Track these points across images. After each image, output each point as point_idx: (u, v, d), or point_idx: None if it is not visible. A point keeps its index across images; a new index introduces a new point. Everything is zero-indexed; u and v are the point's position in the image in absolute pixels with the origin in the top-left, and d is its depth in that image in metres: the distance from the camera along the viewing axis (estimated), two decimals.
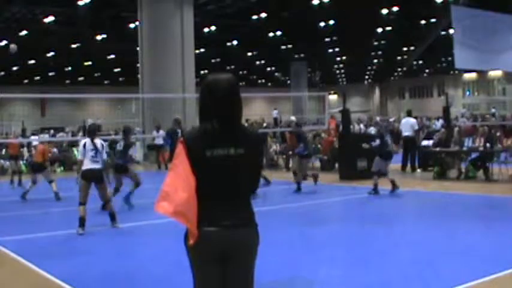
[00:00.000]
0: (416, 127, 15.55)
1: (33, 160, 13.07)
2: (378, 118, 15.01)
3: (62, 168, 20.85)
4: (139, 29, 22.76)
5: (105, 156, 8.41)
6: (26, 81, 48.55)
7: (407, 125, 15.28)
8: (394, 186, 11.47)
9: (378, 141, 11.63)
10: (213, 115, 2.74)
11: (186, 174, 2.65)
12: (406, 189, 12.06)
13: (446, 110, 16.69)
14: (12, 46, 18.45)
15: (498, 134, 16.12)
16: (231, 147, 2.71)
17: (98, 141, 8.34)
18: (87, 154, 8.16)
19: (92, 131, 8.61)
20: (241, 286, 2.76)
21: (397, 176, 14.46)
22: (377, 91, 65.63)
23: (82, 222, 7.97)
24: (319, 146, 18.31)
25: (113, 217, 8.39)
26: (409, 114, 15.96)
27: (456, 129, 17.48)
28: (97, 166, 8.18)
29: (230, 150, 2.71)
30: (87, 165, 8.16)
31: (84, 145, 8.25)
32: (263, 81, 59.96)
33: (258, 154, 2.84)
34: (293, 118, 24.26)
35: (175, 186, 2.65)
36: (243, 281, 2.76)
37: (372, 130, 16.59)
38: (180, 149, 2.71)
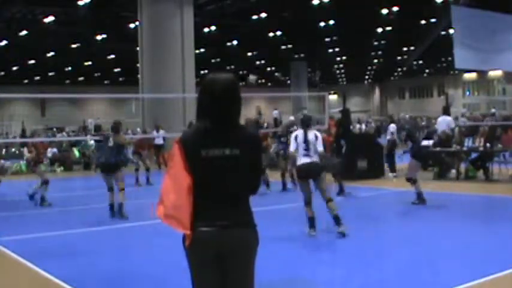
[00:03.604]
0: (453, 125, 15.29)
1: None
2: (406, 116, 13.75)
3: (62, 168, 20.86)
4: (139, 29, 22.74)
5: (320, 148, 7.42)
6: (26, 81, 48.56)
7: (444, 124, 15.02)
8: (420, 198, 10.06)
9: (409, 143, 10.38)
10: (209, 115, 2.74)
11: (178, 175, 2.66)
12: (405, 189, 12.03)
13: (446, 110, 16.65)
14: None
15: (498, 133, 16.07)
16: (227, 148, 2.70)
17: (311, 133, 7.49)
18: (299, 147, 7.38)
19: (305, 121, 7.69)
20: (240, 287, 2.75)
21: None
22: (377, 91, 65.70)
23: (311, 222, 7.43)
24: None
25: (337, 220, 7.38)
26: (445, 111, 15.55)
27: (456, 128, 17.43)
28: (309, 160, 7.35)
29: (225, 150, 2.70)
30: (300, 160, 7.41)
31: (296, 137, 7.49)
32: (263, 81, 59.94)
33: (255, 155, 2.80)
34: (292, 118, 24.15)
35: (167, 189, 2.68)
36: (242, 282, 2.74)
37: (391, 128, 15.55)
38: (175, 149, 2.71)
